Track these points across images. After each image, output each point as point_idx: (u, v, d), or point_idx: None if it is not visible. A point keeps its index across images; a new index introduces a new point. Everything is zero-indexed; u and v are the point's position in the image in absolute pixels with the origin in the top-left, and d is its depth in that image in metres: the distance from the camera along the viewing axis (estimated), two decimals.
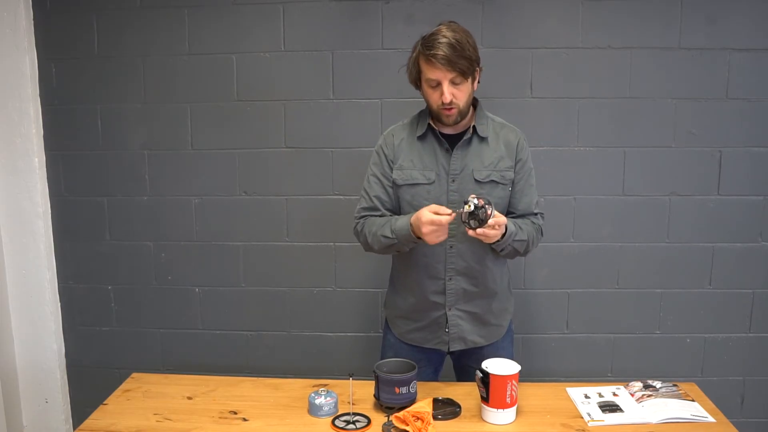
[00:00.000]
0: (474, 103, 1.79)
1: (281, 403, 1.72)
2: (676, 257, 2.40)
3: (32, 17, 2.38)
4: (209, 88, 2.40)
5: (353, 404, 1.65)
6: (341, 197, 2.42)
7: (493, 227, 1.57)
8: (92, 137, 2.46)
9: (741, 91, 2.30)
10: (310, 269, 2.49)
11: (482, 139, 1.77)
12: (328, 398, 1.64)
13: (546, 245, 2.32)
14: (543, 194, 2.20)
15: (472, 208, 1.55)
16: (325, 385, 1.77)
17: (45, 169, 2.47)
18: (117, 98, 2.43)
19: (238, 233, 2.49)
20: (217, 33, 2.36)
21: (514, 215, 1.80)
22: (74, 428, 2.40)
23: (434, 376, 1.95)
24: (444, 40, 1.61)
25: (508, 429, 1.58)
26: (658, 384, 1.79)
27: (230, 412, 1.68)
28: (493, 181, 1.75)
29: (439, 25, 1.67)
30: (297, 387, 1.82)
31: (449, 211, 1.59)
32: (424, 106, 1.81)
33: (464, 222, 1.58)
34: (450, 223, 1.63)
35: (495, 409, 1.58)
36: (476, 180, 1.74)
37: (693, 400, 1.70)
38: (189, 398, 1.76)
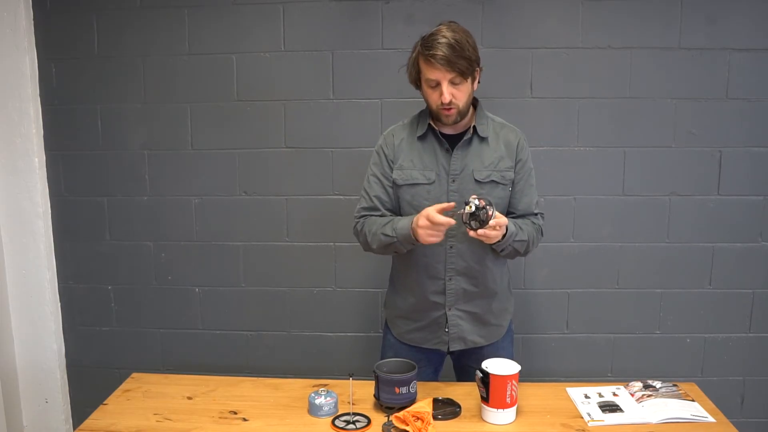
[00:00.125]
0: (474, 103, 1.79)
1: (281, 403, 1.72)
2: (676, 257, 2.40)
3: (32, 17, 2.38)
4: (209, 88, 2.40)
5: (353, 404, 1.65)
6: (341, 197, 2.42)
7: (494, 228, 1.57)
8: (92, 137, 2.46)
9: (741, 91, 2.30)
10: (310, 269, 2.49)
11: (482, 139, 1.77)
12: (328, 398, 1.64)
13: (546, 245, 2.32)
14: (543, 194, 2.20)
15: (473, 209, 1.55)
16: (325, 385, 1.78)
17: (45, 169, 2.47)
18: (117, 98, 2.43)
19: (238, 233, 2.49)
20: (217, 33, 2.36)
21: (514, 215, 1.80)
22: (74, 428, 2.40)
23: (434, 376, 1.95)
24: (443, 40, 1.61)
25: (508, 429, 1.58)
26: (658, 384, 1.79)
27: (230, 412, 1.68)
28: (493, 181, 1.75)
29: (439, 25, 1.67)
30: (297, 387, 1.82)
31: (452, 204, 1.60)
32: (424, 106, 1.81)
33: (465, 223, 1.59)
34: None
35: (495, 409, 1.58)
36: (476, 180, 1.74)
37: (693, 400, 1.70)
38: (189, 398, 1.76)
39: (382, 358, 1.84)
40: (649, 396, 1.71)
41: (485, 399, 1.59)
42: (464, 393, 1.73)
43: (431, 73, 1.65)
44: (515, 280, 2.22)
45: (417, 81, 1.73)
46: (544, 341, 2.49)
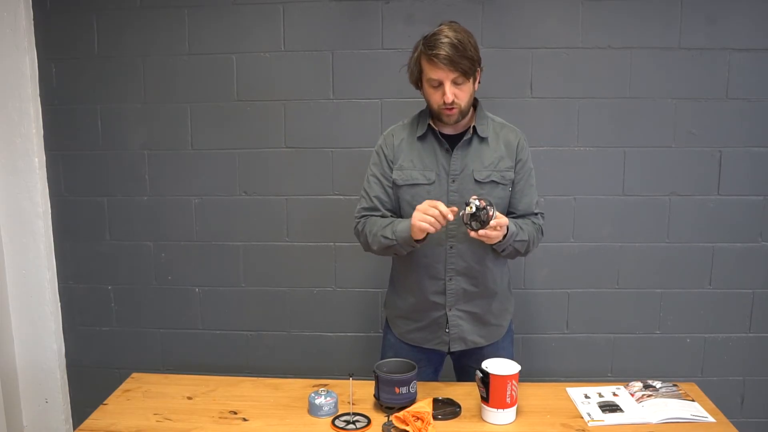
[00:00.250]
0: (474, 103, 1.79)
1: (281, 403, 1.72)
2: (676, 257, 2.40)
3: (32, 17, 2.38)
4: (209, 88, 2.40)
5: (353, 404, 1.65)
6: (341, 197, 2.42)
7: (494, 228, 1.57)
8: (92, 137, 2.46)
9: (741, 91, 2.30)
10: (310, 269, 2.49)
11: (482, 140, 1.77)
12: (328, 398, 1.64)
13: (546, 245, 2.32)
14: (543, 194, 2.20)
15: (474, 209, 1.55)
16: (325, 385, 1.78)
17: (45, 169, 2.47)
18: (117, 98, 2.43)
19: (238, 233, 2.49)
20: (217, 33, 2.36)
21: (514, 215, 1.80)
22: (74, 428, 2.40)
23: (434, 376, 1.95)
24: (446, 40, 1.61)
25: (508, 429, 1.58)
26: (658, 384, 1.79)
27: (230, 412, 1.68)
28: (493, 181, 1.75)
29: (441, 25, 1.67)
30: (297, 387, 1.82)
31: (445, 209, 1.59)
32: (424, 106, 1.81)
33: (466, 223, 1.59)
34: (450, 224, 1.63)
35: (495, 409, 1.58)
36: (476, 180, 1.74)
37: (693, 400, 1.70)
38: (189, 398, 1.77)
39: (382, 358, 1.84)
40: (649, 396, 1.71)
41: (485, 399, 1.59)
42: (464, 393, 1.73)
43: (434, 73, 1.65)
44: (515, 280, 2.22)
45: (418, 81, 1.73)
46: (544, 341, 2.49)
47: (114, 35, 2.39)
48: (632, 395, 1.73)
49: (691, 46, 2.28)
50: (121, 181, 2.49)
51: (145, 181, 2.48)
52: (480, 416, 1.62)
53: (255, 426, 1.61)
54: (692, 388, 1.79)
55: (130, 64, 2.41)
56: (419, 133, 1.79)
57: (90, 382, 2.58)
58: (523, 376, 1.62)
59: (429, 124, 1.77)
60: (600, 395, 1.74)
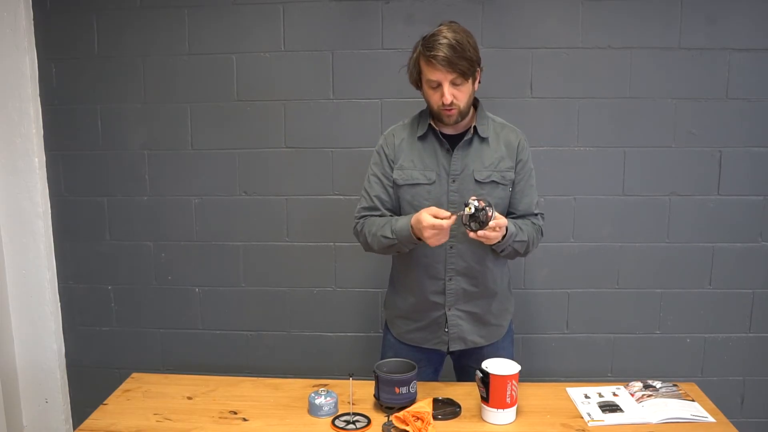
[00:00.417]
0: (475, 103, 1.79)
1: (281, 403, 1.72)
2: (676, 257, 2.40)
3: (32, 17, 2.38)
4: (209, 88, 2.40)
5: (353, 404, 1.65)
6: (341, 197, 2.42)
7: (493, 229, 1.57)
8: (92, 137, 2.46)
9: (741, 91, 2.30)
10: (310, 269, 2.49)
11: (483, 140, 1.77)
12: (328, 398, 1.64)
13: (546, 245, 2.32)
14: (543, 194, 2.20)
15: (473, 210, 1.55)
16: (325, 385, 1.78)
17: (45, 169, 2.47)
18: (117, 98, 2.43)
19: (238, 233, 2.49)
20: (217, 33, 2.36)
21: (514, 216, 1.80)
22: (74, 428, 2.40)
23: (434, 376, 1.95)
24: (444, 41, 1.61)
25: (508, 429, 1.58)
26: (658, 384, 1.79)
27: (230, 412, 1.68)
28: (493, 181, 1.75)
29: (440, 25, 1.66)
30: (297, 387, 1.82)
31: (448, 213, 1.59)
32: (424, 106, 1.81)
33: (465, 224, 1.58)
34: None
35: (495, 409, 1.58)
36: (477, 180, 1.74)
37: (693, 400, 1.70)
38: (189, 398, 1.76)
39: (382, 358, 1.84)
40: (649, 396, 1.71)
41: (485, 399, 1.59)
42: (464, 393, 1.73)
43: (432, 74, 1.65)
44: (515, 280, 2.22)
45: (418, 81, 1.73)
46: (544, 341, 2.49)
47: (114, 35, 2.39)
48: (632, 395, 1.73)
49: (691, 46, 2.28)
50: (121, 181, 2.49)
51: (145, 181, 2.48)
52: (480, 416, 1.62)
53: (255, 426, 1.61)
54: (692, 388, 1.79)
55: (130, 64, 2.41)
56: (420, 133, 1.79)
57: (90, 382, 2.58)
58: (523, 376, 1.62)
59: (429, 124, 1.77)
60: (600, 395, 1.74)
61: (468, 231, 1.59)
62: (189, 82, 2.40)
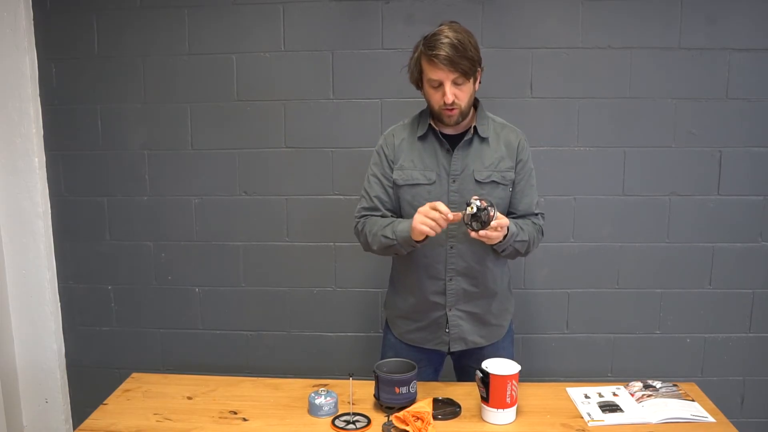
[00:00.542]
0: (475, 103, 1.79)
1: (281, 403, 1.72)
2: (676, 257, 2.40)
3: (32, 17, 2.38)
4: (209, 88, 2.40)
5: (353, 404, 1.65)
6: (341, 197, 2.42)
7: (495, 229, 1.57)
8: (92, 137, 2.46)
9: (741, 91, 2.30)
10: (310, 269, 2.49)
11: (483, 140, 1.77)
12: (328, 398, 1.64)
13: (546, 245, 2.32)
14: (543, 194, 2.20)
15: (475, 210, 1.55)
16: (325, 385, 1.77)
17: (45, 169, 2.47)
18: (117, 98, 2.43)
19: (238, 233, 2.49)
20: (217, 33, 2.36)
21: (514, 215, 1.80)
22: (74, 428, 2.40)
23: (434, 376, 1.95)
24: (446, 40, 1.61)
25: (508, 429, 1.58)
26: (658, 384, 1.79)
27: (230, 412, 1.68)
28: (493, 181, 1.75)
29: (441, 25, 1.66)
30: (297, 387, 1.82)
31: (446, 209, 1.59)
32: (424, 105, 1.81)
33: (466, 224, 1.58)
34: (451, 224, 1.63)
35: (495, 409, 1.58)
36: (477, 180, 1.74)
37: (693, 400, 1.70)
38: (189, 398, 1.76)
39: (382, 358, 1.84)
40: (649, 396, 1.71)
41: (485, 399, 1.59)
42: (464, 393, 1.73)
43: (434, 74, 1.65)
44: (515, 280, 2.22)
45: (419, 81, 1.73)
46: (544, 341, 2.49)
47: (114, 35, 2.39)
48: (632, 395, 1.73)
49: (691, 46, 2.28)
50: (121, 181, 2.49)
51: (145, 181, 2.48)
52: (480, 416, 1.62)
53: (255, 426, 1.61)
54: (692, 388, 1.79)
55: (130, 64, 2.41)
56: (420, 133, 1.79)
57: (90, 382, 2.58)
58: (523, 376, 1.62)
59: (429, 124, 1.77)
60: (600, 395, 1.74)
61: (469, 230, 1.59)
62: (189, 82, 2.40)
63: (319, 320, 2.52)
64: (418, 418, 1.53)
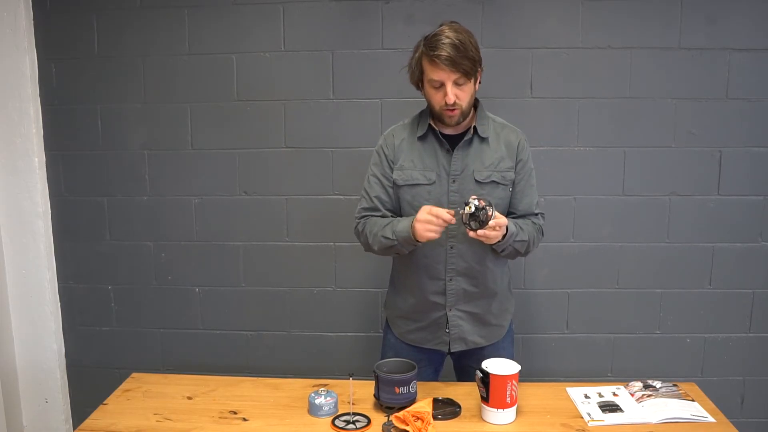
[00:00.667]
0: (475, 103, 1.78)
1: (281, 403, 1.72)
2: (676, 257, 2.40)
3: (32, 17, 2.38)
4: (209, 88, 2.40)
5: (353, 404, 1.65)
6: (341, 197, 2.42)
7: (493, 228, 1.57)
8: (92, 137, 2.46)
9: (741, 91, 2.30)
10: (310, 269, 2.49)
11: (483, 140, 1.77)
12: (328, 398, 1.64)
13: (546, 245, 2.32)
14: (543, 194, 2.20)
15: (473, 209, 1.55)
16: (325, 385, 1.77)
17: (45, 169, 2.47)
18: (117, 98, 2.43)
19: (238, 233, 2.49)
20: (217, 33, 2.36)
21: (514, 215, 1.80)
22: (74, 428, 2.40)
23: (434, 376, 1.95)
24: (447, 40, 1.61)
25: (508, 429, 1.58)
26: (658, 384, 1.79)
27: (230, 412, 1.68)
28: (493, 181, 1.75)
29: (441, 25, 1.66)
30: (297, 387, 1.82)
31: (449, 216, 1.59)
32: (424, 105, 1.81)
33: (465, 223, 1.58)
34: (451, 224, 1.63)
35: (495, 409, 1.58)
36: (477, 180, 1.74)
37: (693, 400, 1.70)
38: (189, 398, 1.76)
39: (382, 358, 1.84)
40: (649, 396, 1.71)
41: (485, 399, 1.59)
42: (464, 393, 1.73)
43: (435, 74, 1.65)
44: (515, 280, 2.22)
45: (419, 82, 1.73)
46: (544, 341, 2.49)
47: (114, 35, 2.39)
48: (632, 395, 1.73)
49: (691, 46, 2.28)
50: (121, 181, 2.49)
51: (145, 181, 2.48)
52: (480, 416, 1.62)
53: (255, 426, 1.61)
54: (692, 388, 1.79)
55: (130, 64, 2.41)
56: (420, 133, 1.79)
57: (90, 382, 2.58)
58: (523, 376, 1.62)
59: (429, 124, 1.77)
60: (600, 395, 1.74)
61: (468, 230, 1.59)
62: (189, 82, 2.40)
63: (319, 320, 2.52)
64: (418, 418, 1.53)
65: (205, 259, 2.51)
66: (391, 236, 1.71)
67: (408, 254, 1.79)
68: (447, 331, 1.84)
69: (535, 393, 1.75)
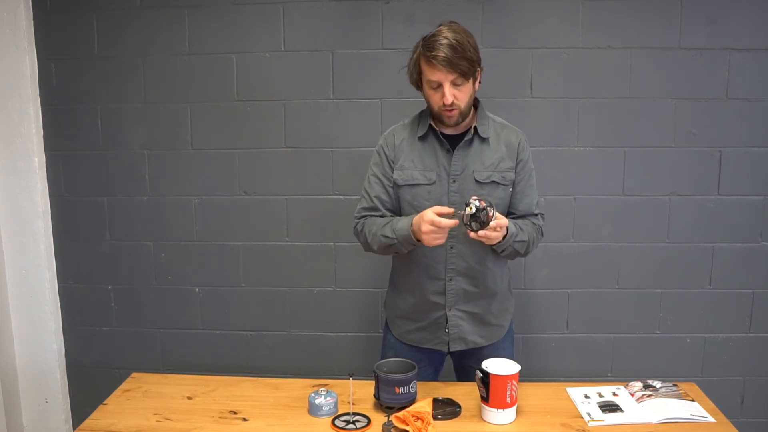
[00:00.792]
0: (475, 103, 1.79)
1: (281, 403, 1.72)
2: (676, 257, 2.40)
3: (32, 17, 2.38)
4: (209, 88, 2.40)
5: (353, 404, 1.65)
6: (341, 197, 2.42)
7: (494, 229, 1.57)
8: (92, 137, 2.46)
9: (741, 91, 2.30)
10: (310, 269, 2.49)
11: (483, 140, 1.77)
12: (328, 398, 1.64)
13: (546, 245, 2.32)
14: (543, 194, 2.20)
15: (474, 210, 1.55)
16: (325, 385, 1.77)
17: (45, 169, 2.47)
18: (117, 98, 2.43)
19: (238, 233, 2.49)
20: (217, 33, 2.36)
21: (514, 216, 1.80)
22: (74, 428, 2.40)
23: (434, 376, 1.95)
24: (445, 41, 1.61)
25: (508, 429, 1.58)
26: (658, 384, 1.79)
27: (230, 412, 1.68)
28: (494, 181, 1.75)
29: (440, 25, 1.66)
30: (297, 387, 1.82)
31: (452, 210, 1.59)
32: (424, 106, 1.81)
33: (466, 224, 1.58)
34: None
35: (495, 409, 1.58)
36: (477, 181, 1.74)
37: (693, 400, 1.70)
38: (189, 398, 1.76)
39: (382, 358, 1.84)
40: (649, 396, 1.71)
41: (485, 399, 1.59)
42: (464, 393, 1.73)
43: (433, 75, 1.65)
44: (515, 280, 2.22)
45: (418, 82, 1.73)
46: (544, 341, 2.49)
47: (114, 35, 2.39)
48: (632, 395, 1.73)
49: (691, 46, 2.28)
50: (121, 181, 2.49)
51: (145, 181, 2.48)
52: (480, 416, 1.62)
53: (255, 426, 1.61)
54: (692, 388, 1.79)
55: (130, 64, 2.41)
56: (420, 133, 1.79)
57: (90, 382, 2.58)
58: (523, 376, 1.62)
59: (430, 124, 1.77)
60: (600, 395, 1.74)
61: (469, 231, 1.59)
62: (189, 82, 2.40)
63: (319, 320, 2.52)
64: (418, 418, 1.53)
65: (205, 259, 2.51)
66: (390, 235, 1.71)
67: (408, 254, 1.79)
68: (447, 331, 1.84)
69: (535, 393, 1.75)
